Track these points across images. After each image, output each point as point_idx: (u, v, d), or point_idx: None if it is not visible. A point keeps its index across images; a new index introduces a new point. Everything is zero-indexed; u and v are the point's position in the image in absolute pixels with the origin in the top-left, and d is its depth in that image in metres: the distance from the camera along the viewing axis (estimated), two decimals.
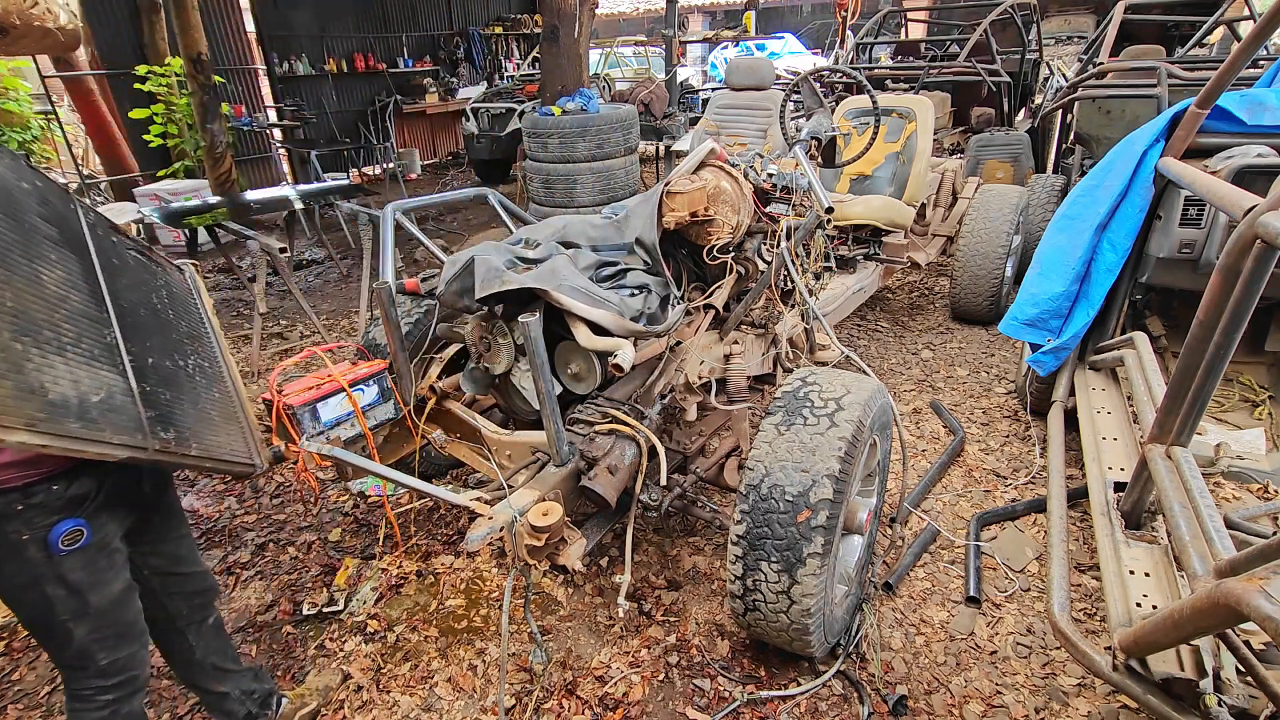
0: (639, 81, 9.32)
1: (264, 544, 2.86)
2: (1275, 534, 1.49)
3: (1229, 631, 1.46)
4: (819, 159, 3.02)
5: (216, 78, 6.90)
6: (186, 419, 1.46)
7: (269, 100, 9.98)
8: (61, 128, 8.15)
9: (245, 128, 8.56)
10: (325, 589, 2.58)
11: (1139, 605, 1.70)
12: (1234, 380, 3.02)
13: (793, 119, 3.94)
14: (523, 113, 7.57)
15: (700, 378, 2.48)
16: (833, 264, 3.32)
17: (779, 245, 2.49)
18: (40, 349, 1.16)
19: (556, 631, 2.36)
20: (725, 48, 16.41)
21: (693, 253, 2.56)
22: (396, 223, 2.52)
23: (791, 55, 18.08)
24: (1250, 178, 2.35)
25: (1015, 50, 6.55)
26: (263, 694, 1.94)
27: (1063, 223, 2.81)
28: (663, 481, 2.04)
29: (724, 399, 2.57)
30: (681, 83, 10.41)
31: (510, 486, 1.93)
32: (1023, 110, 7.19)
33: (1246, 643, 1.46)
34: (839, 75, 5.34)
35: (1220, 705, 1.47)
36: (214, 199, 5.91)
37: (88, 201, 7.62)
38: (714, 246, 2.40)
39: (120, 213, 6.75)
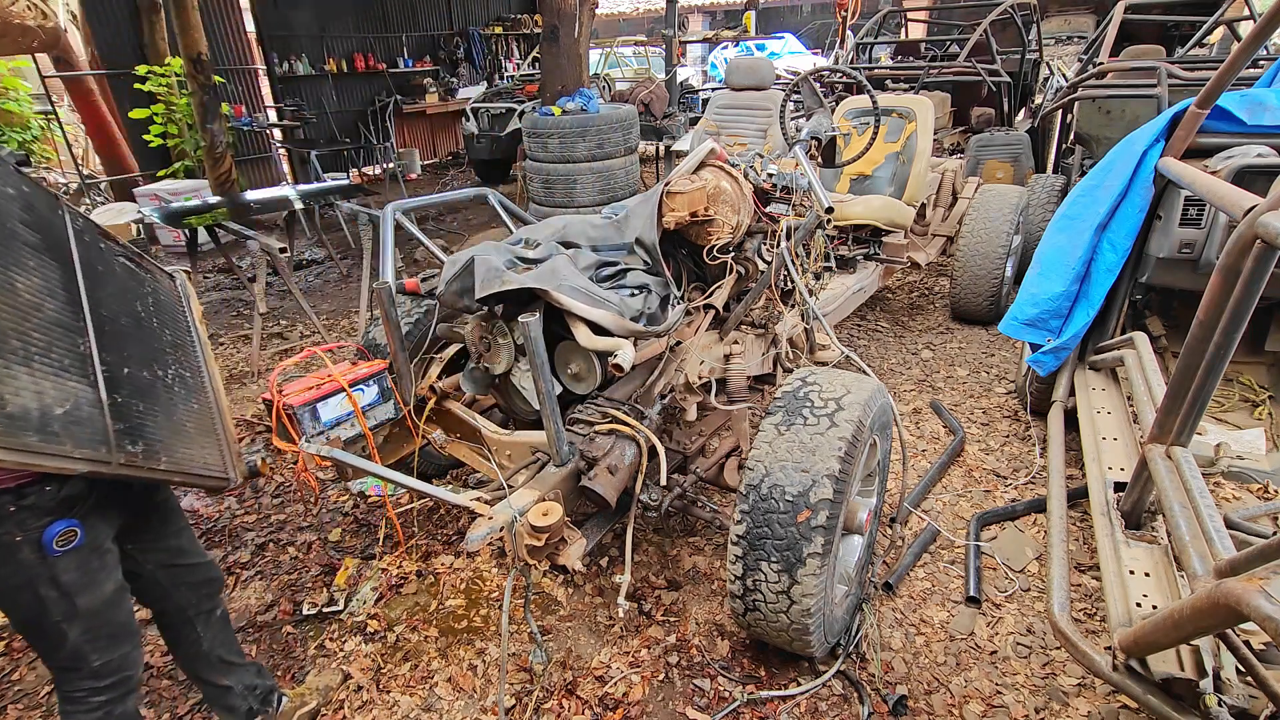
0: (639, 81, 9.32)
1: (264, 544, 2.86)
2: (1275, 534, 1.49)
3: (1229, 631, 1.46)
4: (819, 159, 3.02)
5: (216, 78, 6.90)
6: (159, 431, 1.44)
7: (269, 100, 9.98)
8: (61, 128, 8.15)
9: (245, 128, 8.56)
10: (325, 589, 2.58)
11: (1139, 605, 1.70)
12: (1234, 380, 3.02)
13: (793, 119, 3.94)
14: (523, 113, 7.57)
15: (700, 378, 2.48)
16: (833, 264, 3.31)
17: (779, 245, 2.49)
18: (3, 359, 1.14)
19: (556, 631, 2.36)
20: (725, 48, 16.42)
21: (693, 253, 2.56)
22: (396, 223, 2.52)
23: (791, 55, 18.08)
24: (1250, 178, 2.35)
25: (1015, 50, 6.55)
26: (264, 690, 1.95)
27: (1063, 223, 2.81)
28: (663, 481, 2.04)
29: (724, 399, 2.57)
30: (681, 83, 10.41)
31: (510, 486, 1.93)
32: (1023, 110, 7.19)
33: (1246, 643, 1.46)
34: (839, 75, 5.34)
35: (1220, 705, 1.47)
36: (214, 199, 5.91)
37: (86, 203, 7.57)
38: (714, 246, 2.40)
39: (120, 213, 6.77)
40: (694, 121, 8.18)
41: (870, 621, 2.31)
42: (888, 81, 6.39)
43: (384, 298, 2.09)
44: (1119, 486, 2.17)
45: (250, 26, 9.42)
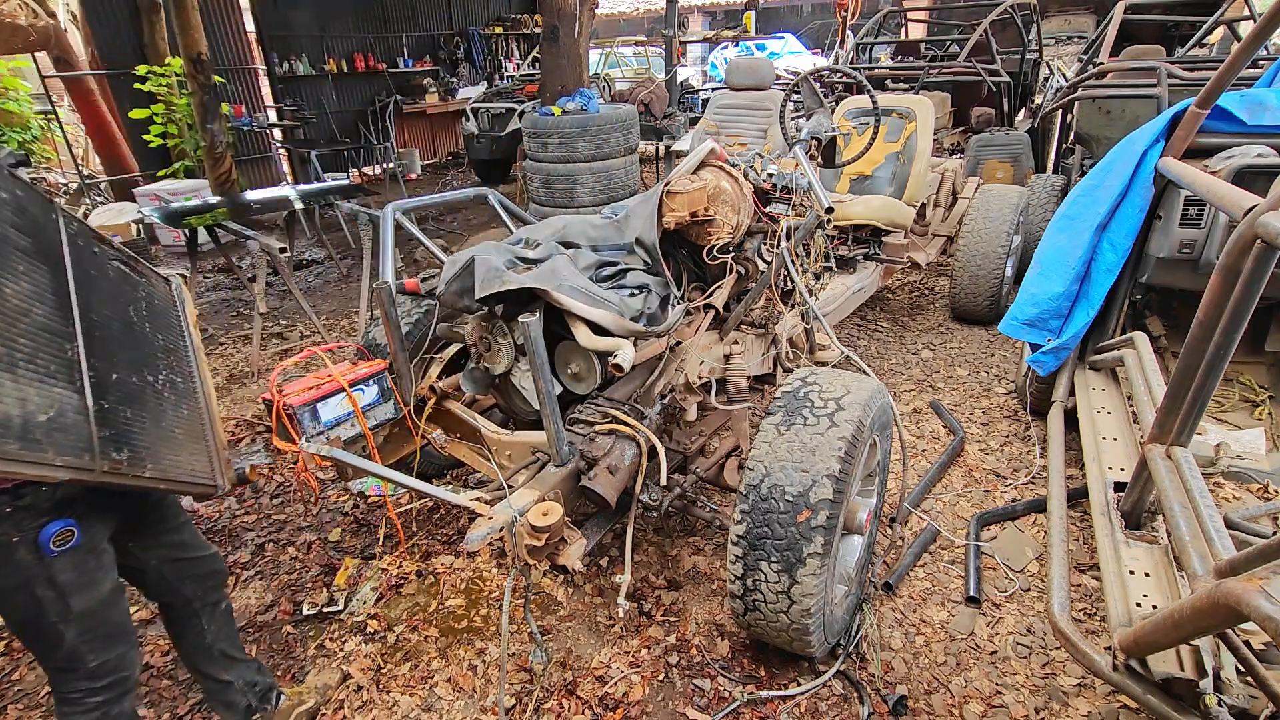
0: (639, 81, 9.32)
1: (264, 544, 2.86)
2: (1275, 534, 1.49)
3: (1229, 631, 1.46)
4: (819, 159, 3.02)
5: (216, 78, 6.90)
6: (145, 438, 1.43)
7: (269, 100, 9.98)
8: (61, 128, 8.15)
9: (245, 128, 8.56)
10: (325, 589, 2.58)
11: (1139, 605, 1.70)
12: (1234, 380, 3.02)
13: (793, 119, 3.94)
14: (523, 113, 7.57)
15: (700, 378, 2.48)
16: (833, 264, 3.31)
17: (779, 245, 2.49)
18: None
19: (556, 631, 2.36)
20: (725, 48, 16.42)
21: (693, 253, 2.56)
22: (396, 223, 2.52)
23: (791, 55, 18.08)
24: (1250, 178, 2.35)
25: (1015, 50, 6.55)
26: (264, 687, 1.95)
27: (1063, 223, 2.81)
28: (663, 481, 2.04)
29: (724, 399, 2.57)
30: (681, 83, 10.41)
31: (510, 486, 1.93)
32: (1023, 110, 7.19)
33: (1246, 643, 1.46)
34: (839, 75, 5.34)
35: (1220, 705, 1.47)
36: (214, 199, 5.91)
37: (86, 203, 7.56)
38: (714, 246, 2.40)
39: (120, 213, 6.75)
40: (694, 121, 8.18)
41: (870, 621, 2.31)
42: (888, 81, 6.39)
43: (384, 298, 2.09)
44: (1119, 486, 2.17)
45: (250, 26, 9.43)
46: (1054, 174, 5.26)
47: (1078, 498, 2.73)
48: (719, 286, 2.53)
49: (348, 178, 9.49)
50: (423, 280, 2.41)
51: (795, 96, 3.27)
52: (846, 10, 9.96)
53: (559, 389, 2.18)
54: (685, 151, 5.92)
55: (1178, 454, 1.81)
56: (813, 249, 2.85)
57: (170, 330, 1.71)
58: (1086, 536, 2.63)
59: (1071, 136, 5.61)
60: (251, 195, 5.41)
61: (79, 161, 8.43)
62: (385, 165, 10.49)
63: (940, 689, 2.09)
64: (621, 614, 2.37)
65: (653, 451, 2.05)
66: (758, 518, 1.86)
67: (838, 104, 4.82)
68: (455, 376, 2.43)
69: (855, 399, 1.96)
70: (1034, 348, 2.88)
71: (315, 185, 6.35)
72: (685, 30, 14.08)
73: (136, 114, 7.39)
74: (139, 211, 6.51)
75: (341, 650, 2.32)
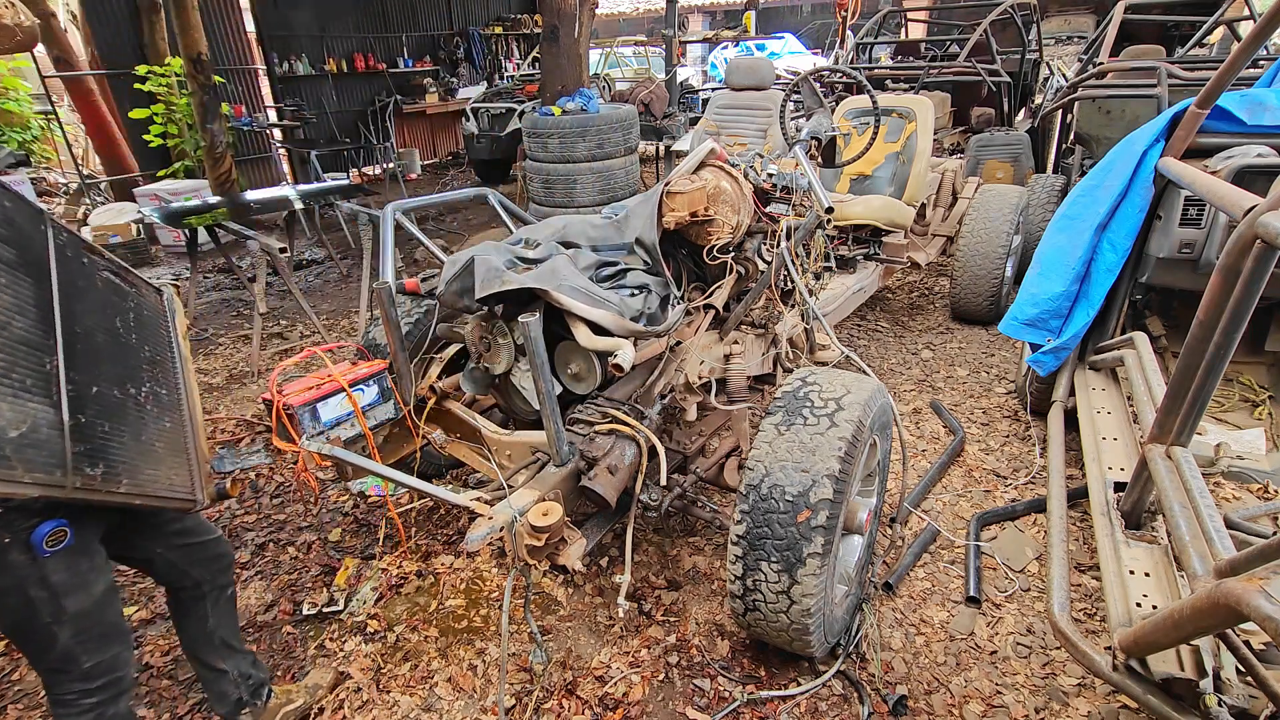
0: (639, 81, 9.32)
1: (264, 544, 2.86)
2: (1275, 534, 1.49)
3: (1229, 631, 1.46)
4: (819, 159, 3.02)
5: (216, 78, 6.90)
6: (123, 452, 1.43)
7: (269, 100, 9.99)
8: (61, 128, 8.16)
9: (245, 128, 8.56)
10: (325, 589, 2.58)
11: (1139, 605, 1.70)
12: (1234, 380, 3.02)
13: (793, 119, 3.94)
14: (523, 113, 7.57)
15: (700, 378, 2.48)
16: (833, 264, 3.32)
17: (779, 245, 2.49)
18: None
19: (556, 631, 2.36)
20: (725, 48, 16.41)
21: (693, 253, 2.56)
22: (396, 223, 2.52)
23: (791, 55, 18.08)
24: (1250, 178, 2.35)
25: (1015, 50, 6.56)
26: (257, 682, 1.95)
27: (1063, 223, 2.81)
28: (663, 481, 2.04)
29: (724, 399, 2.57)
30: (681, 83, 10.41)
31: (510, 486, 1.93)
32: (1023, 110, 7.19)
33: (1246, 643, 1.46)
34: (839, 75, 5.34)
35: (1220, 705, 1.47)
36: (214, 199, 5.91)
37: (86, 202, 7.55)
38: (714, 246, 2.40)
39: (120, 213, 6.78)
40: (694, 121, 8.18)
41: (870, 621, 2.31)
42: (888, 81, 6.39)
43: (384, 298, 2.09)
44: (1119, 486, 2.17)
45: (250, 26, 9.43)
46: (1054, 174, 5.26)
47: (1078, 498, 2.73)
48: (719, 286, 2.53)
49: (348, 178, 9.50)
50: (423, 280, 2.41)
51: (795, 96, 3.27)
52: (846, 10, 9.96)
53: (559, 389, 2.18)
54: (685, 151, 5.92)
55: (1178, 454, 1.81)
56: (813, 249, 2.85)
57: (158, 341, 1.70)
58: (1086, 536, 2.63)
59: (1071, 136, 5.61)
60: (251, 195, 5.41)
61: (79, 161, 8.43)
62: (385, 165, 10.49)
63: (940, 689, 2.09)
64: (621, 614, 2.37)
65: (653, 451, 2.05)
66: (758, 518, 1.86)
67: (838, 104, 4.82)
68: (455, 376, 2.43)
69: (855, 399, 1.96)
70: (1034, 348, 2.88)
71: (315, 185, 6.35)
72: (685, 30, 14.08)
73: (136, 114, 7.39)
74: (139, 211, 6.54)
75: (341, 650, 2.32)
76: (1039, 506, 2.79)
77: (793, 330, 2.82)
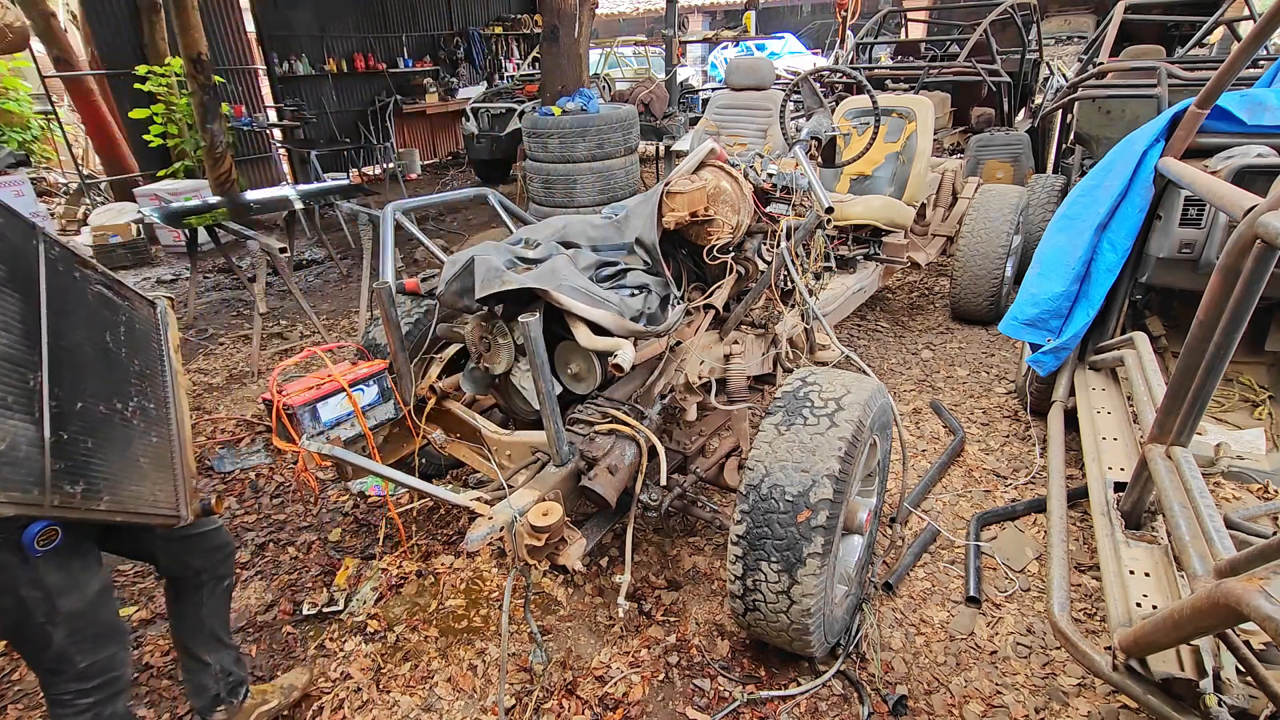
0: (639, 81, 9.32)
1: (264, 544, 2.86)
2: (1275, 534, 1.49)
3: (1229, 631, 1.46)
4: (819, 159, 3.02)
5: (216, 78, 6.90)
6: (105, 468, 1.41)
7: (269, 100, 9.99)
8: (61, 128, 8.16)
9: (245, 128, 8.57)
10: (325, 589, 2.58)
11: (1139, 605, 1.70)
12: (1234, 380, 3.02)
13: (793, 119, 3.94)
14: (523, 113, 7.57)
15: (700, 378, 2.48)
16: (833, 264, 3.32)
17: (779, 245, 2.49)
18: None
19: (556, 631, 2.36)
20: (725, 48, 16.42)
21: (693, 253, 2.56)
22: (396, 223, 2.52)
23: (791, 55, 18.08)
24: (1250, 178, 2.36)
25: (1015, 50, 6.56)
26: (236, 680, 1.95)
27: (1063, 223, 2.81)
28: (663, 481, 2.04)
29: (724, 399, 2.57)
30: (681, 83, 10.41)
31: (510, 486, 1.93)
32: (1023, 110, 7.20)
33: (1246, 643, 1.46)
34: (839, 75, 5.34)
35: (1220, 705, 1.47)
36: (214, 199, 5.91)
37: (86, 202, 7.55)
38: (714, 246, 2.40)
39: (120, 213, 6.78)
40: (694, 121, 8.18)
41: (870, 621, 2.31)
42: (888, 81, 6.40)
43: (384, 298, 2.09)
44: (1119, 486, 2.17)
45: (250, 26, 9.43)
46: (1054, 174, 5.26)
47: (1078, 498, 2.73)
48: (719, 286, 2.53)
49: (348, 178, 9.50)
50: (423, 280, 2.41)
51: (795, 96, 3.27)
52: (846, 10, 9.96)
53: (559, 389, 2.18)
54: (685, 151, 5.92)
55: (1178, 454, 1.81)
56: (813, 249, 2.85)
57: (148, 355, 1.68)
58: (1086, 536, 2.63)
59: (1071, 136, 5.61)
60: (251, 195, 5.41)
61: (79, 161, 8.44)
62: (385, 165, 10.49)
63: (940, 689, 2.09)
64: (621, 614, 2.37)
65: (653, 451, 2.05)
66: (758, 518, 1.86)
67: (838, 104, 4.82)
68: (455, 376, 2.43)
69: (855, 399, 1.96)
70: (1034, 348, 2.88)
71: (315, 185, 6.36)
72: (685, 30, 14.08)
73: (136, 114, 7.40)
74: (139, 211, 6.54)
75: (341, 650, 2.32)
76: (1039, 506, 2.79)
77: (793, 330, 2.82)
